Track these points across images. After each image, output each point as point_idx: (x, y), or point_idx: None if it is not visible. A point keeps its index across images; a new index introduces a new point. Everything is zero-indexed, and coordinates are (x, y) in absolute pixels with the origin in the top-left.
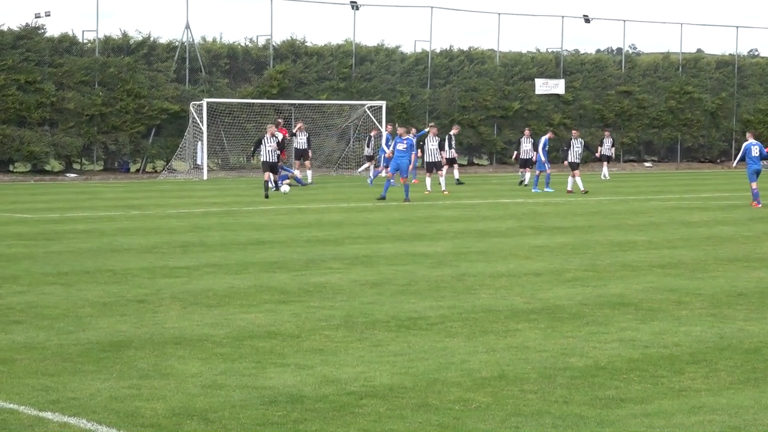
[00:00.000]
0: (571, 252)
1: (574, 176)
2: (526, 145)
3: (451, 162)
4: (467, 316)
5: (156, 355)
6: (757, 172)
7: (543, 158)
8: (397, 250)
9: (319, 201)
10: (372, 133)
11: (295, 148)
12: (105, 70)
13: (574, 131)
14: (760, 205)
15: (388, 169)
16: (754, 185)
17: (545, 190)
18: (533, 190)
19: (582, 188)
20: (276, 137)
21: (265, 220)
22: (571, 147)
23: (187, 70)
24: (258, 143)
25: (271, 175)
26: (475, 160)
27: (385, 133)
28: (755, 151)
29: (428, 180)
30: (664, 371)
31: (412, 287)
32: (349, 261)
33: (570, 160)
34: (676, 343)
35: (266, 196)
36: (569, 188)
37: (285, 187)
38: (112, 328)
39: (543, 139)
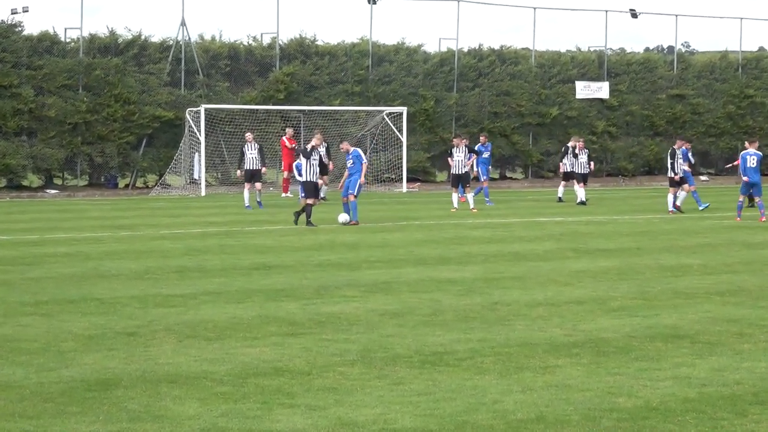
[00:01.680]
0: (617, 277)
1: (581, 187)
2: (582, 157)
3: (568, 177)
4: (500, 351)
5: (148, 394)
6: (752, 185)
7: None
8: (421, 275)
9: (332, 220)
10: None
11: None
12: (90, 72)
13: (581, 140)
14: (764, 219)
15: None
16: (741, 198)
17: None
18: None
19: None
20: (316, 150)
21: (270, 242)
22: (577, 157)
23: (182, 73)
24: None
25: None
26: (508, 174)
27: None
28: (751, 162)
29: (470, 197)
30: (724, 413)
31: (437, 318)
32: (367, 288)
33: (577, 171)
34: (738, 380)
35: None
36: (678, 204)
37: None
38: (99, 365)
39: (681, 149)
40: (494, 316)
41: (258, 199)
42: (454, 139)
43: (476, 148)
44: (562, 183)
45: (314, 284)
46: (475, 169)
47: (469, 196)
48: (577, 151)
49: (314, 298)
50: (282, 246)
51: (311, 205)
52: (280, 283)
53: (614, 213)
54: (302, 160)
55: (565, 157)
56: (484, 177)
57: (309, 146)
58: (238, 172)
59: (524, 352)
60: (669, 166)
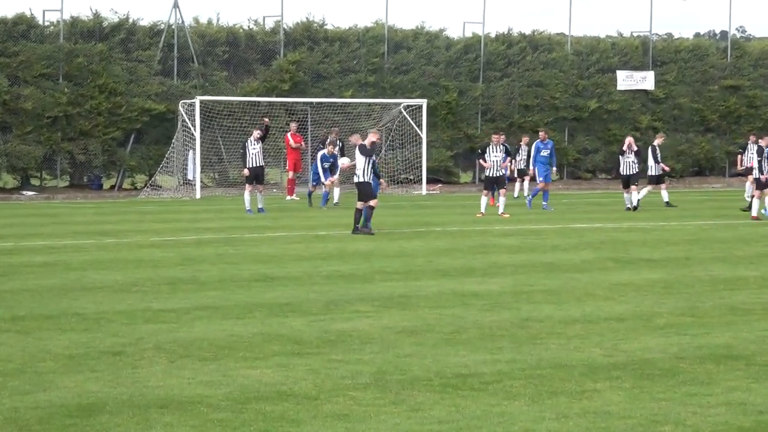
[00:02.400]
0: (663, 291)
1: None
2: (629, 156)
3: (658, 179)
4: (531, 373)
5: (136, 421)
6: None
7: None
8: (442, 288)
9: (343, 226)
10: (523, 141)
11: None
12: (71, 60)
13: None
14: None
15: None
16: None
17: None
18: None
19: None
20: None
21: (273, 251)
22: (624, 155)
23: (175, 61)
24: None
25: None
26: None
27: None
28: None
29: (501, 200)
30: None
31: (460, 336)
32: (381, 302)
33: (624, 173)
34: None
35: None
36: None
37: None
38: (81, 388)
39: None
40: (524, 334)
41: (260, 206)
42: (493, 136)
43: (534, 145)
44: (648, 187)
45: (323, 298)
46: (531, 168)
47: (502, 199)
48: (624, 147)
49: (322, 313)
50: (286, 255)
51: (372, 208)
52: (284, 297)
53: (660, 219)
54: (359, 159)
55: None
56: (541, 179)
57: (368, 142)
58: (245, 171)
59: (558, 374)
60: (756, 165)
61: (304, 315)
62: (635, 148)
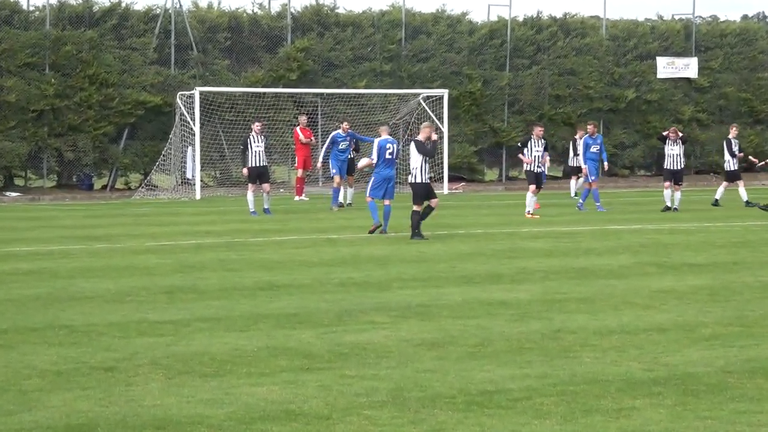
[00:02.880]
0: (708, 299)
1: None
2: (673, 149)
3: (735, 175)
4: (564, 389)
5: None
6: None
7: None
8: (466, 296)
9: (356, 228)
10: (578, 135)
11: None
12: (59, 48)
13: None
14: None
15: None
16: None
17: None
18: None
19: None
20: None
21: (280, 257)
22: (731, 147)
23: (172, 48)
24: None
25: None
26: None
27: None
28: None
29: (530, 197)
30: None
31: (486, 349)
32: (399, 312)
33: (668, 167)
34: None
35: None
36: None
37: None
38: (70, 407)
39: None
40: (556, 346)
41: (265, 206)
42: (536, 128)
43: (583, 140)
44: (724, 183)
45: (334, 308)
46: (583, 165)
47: (530, 198)
48: (667, 133)
49: (334, 324)
50: (294, 261)
51: (432, 208)
52: (292, 307)
53: (705, 219)
54: (415, 156)
55: (726, 152)
56: (593, 177)
57: (423, 137)
58: (244, 170)
59: (593, 391)
60: None
61: (314, 327)
62: (681, 134)
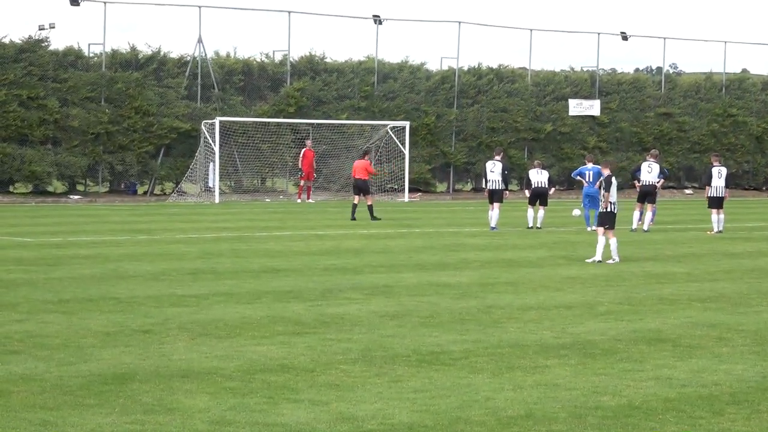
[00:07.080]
0: (604, 284)
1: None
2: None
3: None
4: (493, 351)
5: (161, 388)
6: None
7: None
8: (420, 279)
9: (337, 227)
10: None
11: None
12: (112, 85)
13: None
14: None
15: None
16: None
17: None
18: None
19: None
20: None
21: (279, 247)
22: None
23: (198, 87)
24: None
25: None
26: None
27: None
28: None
29: (530, 212)
30: (702, 412)
31: (434, 319)
32: (369, 291)
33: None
34: (716, 382)
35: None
36: None
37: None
38: (116, 360)
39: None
40: (488, 318)
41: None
42: (535, 162)
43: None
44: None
45: (320, 287)
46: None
47: (541, 213)
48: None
49: (319, 299)
50: (290, 251)
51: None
52: (287, 286)
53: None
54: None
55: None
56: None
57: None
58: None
59: (516, 352)
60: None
61: (304, 301)
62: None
